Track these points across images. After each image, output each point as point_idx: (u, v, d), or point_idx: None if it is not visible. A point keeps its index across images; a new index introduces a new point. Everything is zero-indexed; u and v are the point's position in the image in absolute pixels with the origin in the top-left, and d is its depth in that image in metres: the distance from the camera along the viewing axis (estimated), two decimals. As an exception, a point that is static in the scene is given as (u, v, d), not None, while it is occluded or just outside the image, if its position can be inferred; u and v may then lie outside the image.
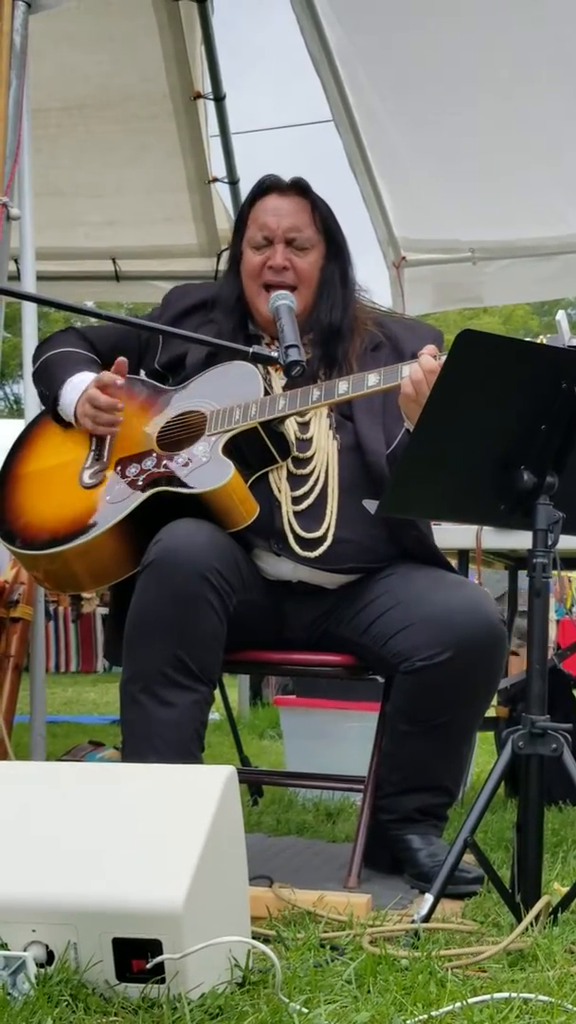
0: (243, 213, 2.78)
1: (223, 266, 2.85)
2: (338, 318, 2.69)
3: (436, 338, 2.67)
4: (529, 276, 5.48)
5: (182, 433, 2.61)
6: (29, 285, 3.35)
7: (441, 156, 5.01)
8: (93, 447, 2.67)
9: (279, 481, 2.57)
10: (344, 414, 2.63)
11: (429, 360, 2.38)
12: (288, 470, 2.58)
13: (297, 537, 2.54)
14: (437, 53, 4.54)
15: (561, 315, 2.23)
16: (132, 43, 4.61)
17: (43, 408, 2.82)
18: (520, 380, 2.09)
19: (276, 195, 2.72)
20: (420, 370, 2.38)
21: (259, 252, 2.70)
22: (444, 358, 2.34)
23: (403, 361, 2.56)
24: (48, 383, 2.74)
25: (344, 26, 4.57)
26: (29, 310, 3.34)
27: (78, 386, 2.67)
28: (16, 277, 3.73)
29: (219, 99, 5.00)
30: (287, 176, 2.73)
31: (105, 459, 2.63)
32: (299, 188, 2.72)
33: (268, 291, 2.67)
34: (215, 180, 5.25)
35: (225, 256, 2.87)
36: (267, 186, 2.73)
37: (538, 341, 2.24)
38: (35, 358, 2.83)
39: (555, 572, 2.12)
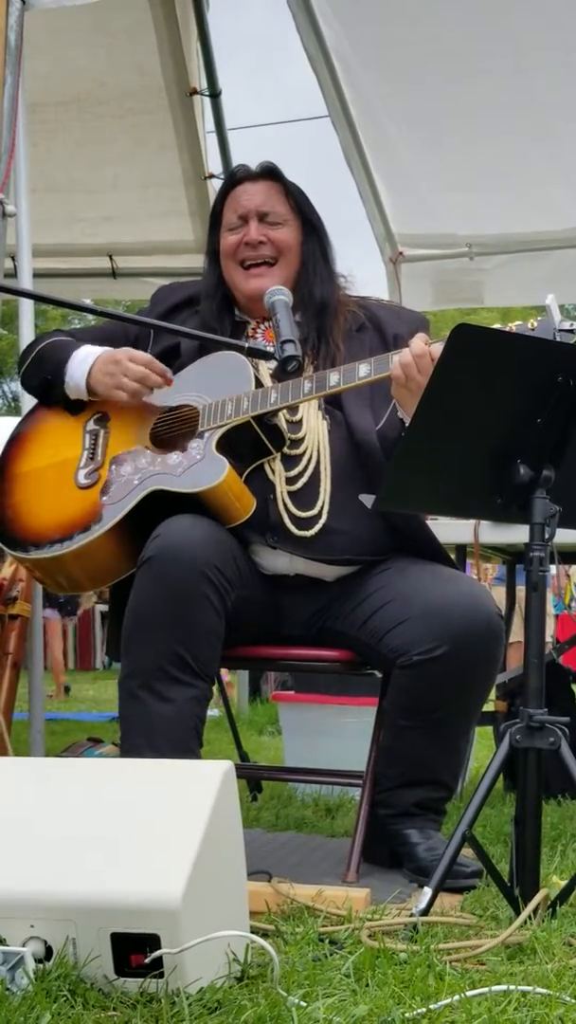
0: (217, 206, 2.79)
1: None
2: (323, 293, 2.70)
3: (421, 323, 2.68)
4: (530, 275, 5.47)
5: (175, 429, 2.61)
6: (26, 282, 3.34)
7: (438, 150, 5.01)
8: (87, 446, 2.66)
9: (272, 463, 2.57)
10: (333, 403, 2.63)
11: (418, 344, 2.38)
12: (281, 452, 2.57)
13: (292, 517, 2.53)
14: (434, 47, 4.54)
15: (551, 298, 2.21)
16: (128, 39, 4.62)
17: (36, 402, 2.79)
18: (516, 374, 2.08)
19: (247, 182, 2.74)
20: (409, 354, 2.38)
21: (234, 232, 2.71)
22: (435, 345, 2.35)
23: (386, 342, 2.59)
24: (48, 368, 2.71)
25: (340, 21, 4.57)
26: (26, 307, 3.33)
27: (87, 357, 2.65)
28: (13, 274, 3.73)
29: (215, 95, 5.00)
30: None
31: (99, 458, 2.62)
32: (269, 172, 2.74)
33: (245, 268, 2.68)
34: (211, 176, 5.25)
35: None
36: (238, 177, 2.76)
37: (529, 324, 2.23)
38: (24, 356, 2.80)
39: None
